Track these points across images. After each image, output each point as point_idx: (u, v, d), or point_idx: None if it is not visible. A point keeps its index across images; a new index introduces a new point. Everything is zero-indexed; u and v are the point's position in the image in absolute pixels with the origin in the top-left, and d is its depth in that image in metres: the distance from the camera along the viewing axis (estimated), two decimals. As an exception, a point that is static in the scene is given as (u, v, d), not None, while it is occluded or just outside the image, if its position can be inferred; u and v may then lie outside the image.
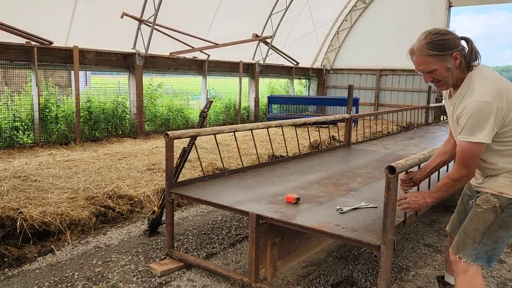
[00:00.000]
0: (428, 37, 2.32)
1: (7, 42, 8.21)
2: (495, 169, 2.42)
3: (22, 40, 8.43)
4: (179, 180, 4.10)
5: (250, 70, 14.50)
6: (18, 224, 3.98)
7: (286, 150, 5.77)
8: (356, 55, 16.95)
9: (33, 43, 8.56)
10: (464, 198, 2.78)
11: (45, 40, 8.75)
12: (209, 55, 12.51)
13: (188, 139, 4.21)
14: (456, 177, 2.39)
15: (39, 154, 7.80)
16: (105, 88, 11.01)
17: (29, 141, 8.75)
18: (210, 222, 4.87)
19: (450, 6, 14.74)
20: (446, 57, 2.30)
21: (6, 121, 8.51)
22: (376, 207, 3.27)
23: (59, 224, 4.23)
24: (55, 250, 3.97)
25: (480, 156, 2.33)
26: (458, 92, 2.38)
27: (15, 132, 8.60)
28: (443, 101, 2.64)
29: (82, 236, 4.34)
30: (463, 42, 2.38)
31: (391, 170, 2.43)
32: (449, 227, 2.90)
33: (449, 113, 2.55)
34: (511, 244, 4.25)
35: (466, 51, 2.34)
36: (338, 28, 17.24)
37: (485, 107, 2.21)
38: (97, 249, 4.06)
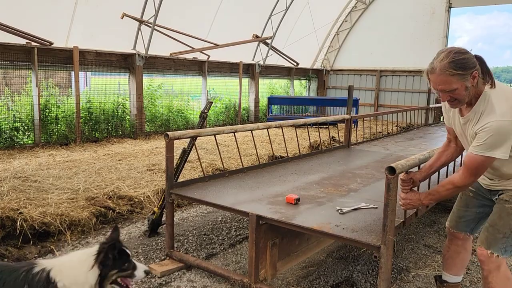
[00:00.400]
0: (449, 57, 2.30)
1: (8, 43, 8.21)
2: (510, 175, 2.52)
3: (22, 41, 8.43)
4: (179, 180, 4.10)
5: (250, 70, 14.50)
6: (18, 224, 3.98)
7: (286, 150, 5.77)
8: (356, 55, 16.96)
9: (33, 43, 8.56)
10: (467, 193, 2.85)
11: (46, 41, 8.75)
12: (209, 56, 12.52)
13: (188, 140, 4.22)
14: (462, 184, 2.46)
15: (39, 154, 7.80)
16: (105, 89, 11.01)
17: (29, 142, 8.75)
18: (210, 223, 4.87)
19: (450, 7, 14.75)
20: (467, 76, 2.30)
21: (6, 122, 8.51)
22: (376, 207, 3.27)
23: (59, 225, 4.23)
24: (55, 250, 3.97)
25: (487, 167, 2.42)
26: (475, 109, 2.41)
27: (15, 132, 8.60)
28: (442, 103, 2.65)
29: (82, 236, 4.34)
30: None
31: (391, 170, 2.44)
32: (450, 222, 2.97)
33: (457, 125, 2.60)
34: None
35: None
36: (338, 29, 17.24)
37: (507, 126, 2.27)
38: (97, 249, 4.05)
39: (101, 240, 4.25)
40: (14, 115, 8.69)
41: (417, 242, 4.41)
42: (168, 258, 3.76)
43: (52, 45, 8.88)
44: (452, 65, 2.28)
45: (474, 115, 2.42)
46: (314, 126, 10.85)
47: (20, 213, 4.13)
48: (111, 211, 4.81)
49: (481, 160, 2.35)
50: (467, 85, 2.32)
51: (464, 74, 2.30)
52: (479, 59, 2.39)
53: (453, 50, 2.33)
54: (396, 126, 11.78)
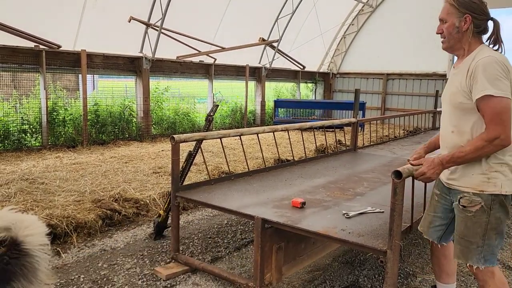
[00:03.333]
0: None
1: (16, 46, 8.29)
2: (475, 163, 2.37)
3: (30, 44, 8.51)
4: (185, 183, 4.11)
5: (257, 74, 14.52)
6: (25, 226, 4.00)
7: (292, 154, 5.76)
8: (363, 59, 16.92)
9: (41, 46, 8.64)
10: (433, 197, 2.73)
11: (54, 44, 8.82)
12: (215, 59, 12.55)
13: (194, 143, 4.22)
14: (490, 139, 2.23)
15: (47, 157, 7.85)
16: (112, 92, 11.08)
17: (37, 144, 8.82)
18: (215, 226, 4.87)
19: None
20: (460, 14, 2.36)
21: (15, 124, 8.59)
22: (383, 212, 3.25)
23: (65, 227, 4.25)
24: (61, 252, 3.98)
25: (511, 112, 2.23)
26: (467, 59, 2.39)
27: (23, 135, 8.67)
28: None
29: (88, 239, 4.35)
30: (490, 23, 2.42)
31: (398, 175, 2.42)
32: (421, 227, 2.84)
33: (447, 87, 2.54)
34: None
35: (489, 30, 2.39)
36: (345, 32, 17.22)
37: (496, 61, 2.24)
38: (103, 252, 4.07)
39: (107, 242, 4.27)
40: (22, 117, 8.77)
41: (424, 247, 4.37)
42: (173, 261, 3.75)
43: (60, 48, 8.96)
44: None
45: (465, 64, 2.38)
46: (321, 130, 10.83)
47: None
48: (117, 213, 4.82)
49: (494, 102, 2.20)
50: (456, 24, 2.37)
51: (458, 10, 2.36)
52: (494, 22, 2.41)
53: None
54: (403, 129, 11.71)
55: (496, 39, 2.41)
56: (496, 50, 2.41)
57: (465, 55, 2.43)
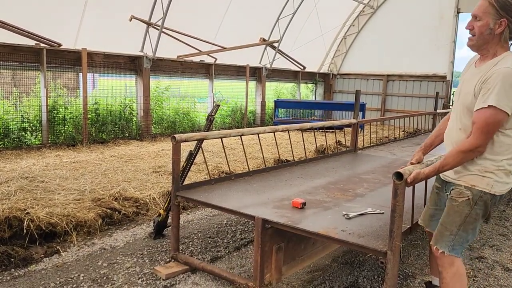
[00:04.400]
0: None
1: (17, 44, 8.29)
2: (474, 161, 2.43)
3: (31, 42, 8.51)
4: (185, 183, 4.11)
5: (257, 74, 14.52)
6: (25, 224, 4.00)
7: (293, 154, 5.76)
8: (363, 60, 16.93)
9: (42, 45, 8.64)
10: (434, 191, 2.80)
11: (54, 42, 8.82)
12: (216, 59, 12.56)
13: (193, 142, 4.22)
14: (471, 147, 2.32)
15: (47, 155, 7.85)
16: (113, 91, 11.08)
17: (37, 142, 8.82)
18: (215, 226, 4.87)
19: (458, 12, 14.67)
20: (497, 17, 2.30)
21: (15, 122, 8.58)
22: (383, 213, 3.25)
23: (65, 225, 4.25)
24: (61, 251, 3.99)
25: (499, 126, 2.28)
26: (489, 63, 2.36)
27: (23, 133, 8.67)
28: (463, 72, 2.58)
29: (88, 237, 4.35)
30: None
31: (399, 176, 2.42)
32: (422, 221, 2.89)
33: (464, 84, 2.50)
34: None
35: None
36: (346, 33, 17.23)
37: None
38: (102, 250, 4.07)
39: (107, 241, 4.27)
40: (22, 115, 8.77)
41: (423, 248, 4.37)
42: (173, 260, 3.76)
43: (61, 47, 8.96)
44: None
45: (487, 67, 2.35)
46: (321, 130, 10.83)
47: (27, 213, 4.16)
48: (116, 212, 4.82)
49: (490, 114, 2.23)
50: (491, 26, 2.31)
51: (497, 11, 2.29)
52: None
53: None
54: (403, 131, 11.72)
55: None
56: None
57: (489, 57, 2.39)
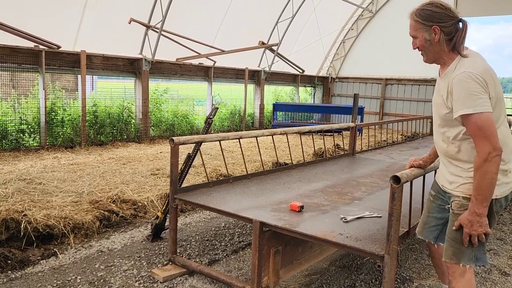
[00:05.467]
0: (424, 5, 2.40)
1: (16, 46, 8.29)
2: (466, 162, 2.38)
3: (30, 44, 8.51)
4: (183, 185, 4.11)
5: (256, 77, 14.55)
6: (22, 226, 4.00)
7: (291, 157, 5.77)
8: (362, 64, 16.97)
9: (41, 47, 8.64)
10: (429, 197, 2.74)
11: (53, 44, 8.82)
12: (215, 62, 12.57)
13: (191, 145, 4.22)
14: (483, 158, 2.20)
15: (45, 157, 7.84)
16: (111, 93, 11.08)
17: (35, 144, 8.80)
18: (213, 229, 4.87)
19: (456, 17, 14.72)
20: (427, 28, 2.37)
21: (13, 124, 8.57)
22: (380, 216, 3.26)
23: (62, 228, 4.24)
24: (58, 253, 3.98)
25: (493, 123, 2.22)
26: (449, 69, 2.39)
27: (21, 134, 8.66)
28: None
29: (85, 240, 4.34)
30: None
31: (396, 179, 2.43)
32: (418, 228, 2.83)
33: (435, 95, 2.52)
34: (516, 257, 4.22)
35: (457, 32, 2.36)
36: (344, 37, 17.27)
37: (471, 76, 2.22)
38: (100, 253, 4.06)
39: (104, 243, 4.26)
40: (21, 117, 8.76)
41: (421, 252, 4.38)
42: (170, 263, 3.75)
43: (60, 49, 8.96)
44: (417, 12, 2.39)
45: (448, 76, 2.37)
46: (319, 134, 10.84)
47: (25, 215, 4.15)
48: (114, 215, 4.82)
49: (475, 120, 2.19)
50: (427, 37, 2.38)
51: (424, 24, 2.37)
52: (463, 22, 2.37)
53: (433, 2, 2.40)
54: (401, 135, 11.74)
55: (463, 39, 2.38)
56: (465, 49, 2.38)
57: (447, 64, 2.42)
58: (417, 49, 2.49)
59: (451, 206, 2.47)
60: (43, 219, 4.19)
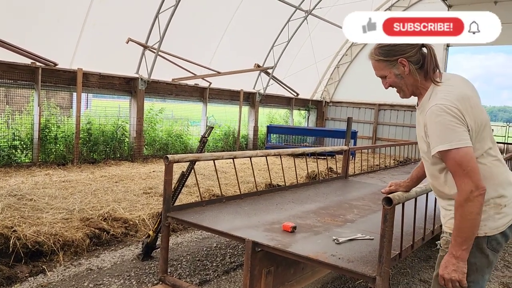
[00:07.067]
0: (379, 44, 2.29)
1: (13, 62, 8.33)
2: (450, 197, 2.16)
3: (27, 61, 8.56)
4: (176, 204, 4.09)
5: (251, 99, 14.67)
6: (11, 242, 3.95)
7: (284, 179, 5.78)
8: (356, 89, 17.20)
9: (38, 64, 8.69)
10: None
11: (50, 62, 8.88)
12: (210, 83, 12.69)
13: (185, 164, 4.23)
14: (464, 197, 1.96)
15: (36, 173, 7.78)
16: (106, 111, 11.10)
17: (27, 160, 8.75)
18: (204, 249, 4.83)
19: (448, 46, 15.08)
20: (393, 63, 2.23)
21: (5, 140, 8.53)
22: (372, 239, 3.26)
23: (52, 245, 4.19)
24: (47, 270, 3.92)
25: (473, 158, 2.00)
26: (424, 99, 2.23)
27: (13, 150, 8.61)
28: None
29: (75, 257, 4.28)
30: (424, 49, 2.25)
31: (388, 201, 2.45)
32: None
33: (416, 128, 2.33)
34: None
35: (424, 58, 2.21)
36: (339, 62, 17.56)
37: (444, 109, 2.02)
38: (89, 271, 4.00)
39: (94, 262, 4.21)
40: (14, 133, 8.72)
41: (412, 276, 4.37)
42: (161, 283, 3.70)
43: (57, 66, 9.01)
44: (377, 51, 2.27)
45: (423, 106, 2.22)
46: (312, 157, 10.89)
47: (14, 231, 4.10)
48: (105, 233, 4.77)
49: (453, 156, 1.99)
50: (396, 73, 2.25)
51: (388, 61, 2.24)
52: (428, 47, 2.21)
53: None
54: (394, 159, 11.82)
55: (435, 63, 2.23)
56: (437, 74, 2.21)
57: (422, 95, 2.26)
58: (389, 87, 2.35)
59: (440, 240, 2.26)
60: (33, 235, 4.14)
